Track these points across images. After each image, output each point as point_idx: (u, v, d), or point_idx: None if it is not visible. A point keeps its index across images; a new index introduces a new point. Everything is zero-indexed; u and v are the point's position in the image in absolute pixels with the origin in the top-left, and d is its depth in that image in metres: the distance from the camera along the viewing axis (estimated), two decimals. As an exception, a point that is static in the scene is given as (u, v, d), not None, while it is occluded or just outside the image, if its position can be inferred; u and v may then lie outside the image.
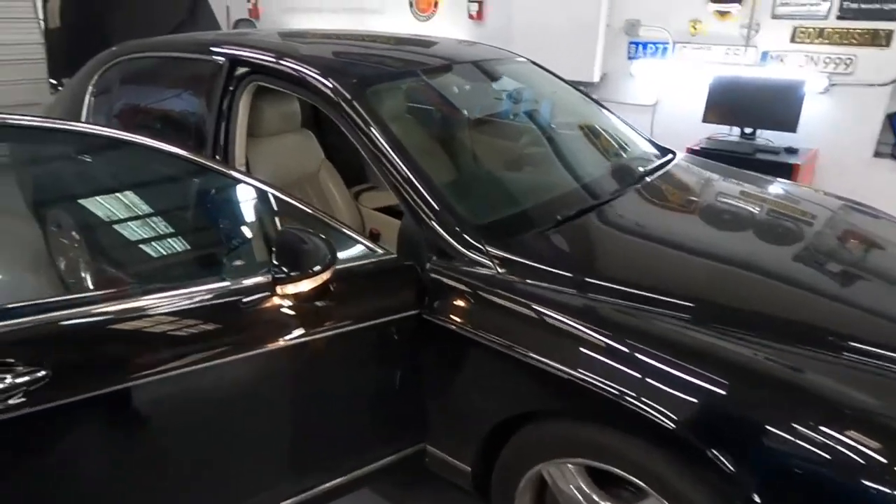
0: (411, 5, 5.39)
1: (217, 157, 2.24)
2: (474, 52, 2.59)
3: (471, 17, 4.94)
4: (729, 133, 3.91)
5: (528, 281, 1.51)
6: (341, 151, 2.93)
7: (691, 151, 3.61)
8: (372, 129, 1.81)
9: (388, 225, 2.86)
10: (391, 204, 2.90)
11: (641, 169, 2.24)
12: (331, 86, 1.90)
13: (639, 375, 1.27)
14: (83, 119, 2.88)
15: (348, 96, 1.87)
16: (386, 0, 5.54)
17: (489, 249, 1.60)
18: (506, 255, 1.59)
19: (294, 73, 2.01)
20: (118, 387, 1.21)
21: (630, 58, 4.30)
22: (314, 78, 1.95)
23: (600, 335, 1.35)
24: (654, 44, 4.16)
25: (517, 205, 1.84)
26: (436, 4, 5.23)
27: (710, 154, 3.56)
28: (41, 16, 6.60)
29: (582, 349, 1.36)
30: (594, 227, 1.80)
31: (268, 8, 6.59)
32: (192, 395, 1.33)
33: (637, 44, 4.24)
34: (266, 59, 2.14)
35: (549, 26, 4.26)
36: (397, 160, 1.75)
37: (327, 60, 2.10)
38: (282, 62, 2.08)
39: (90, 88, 2.88)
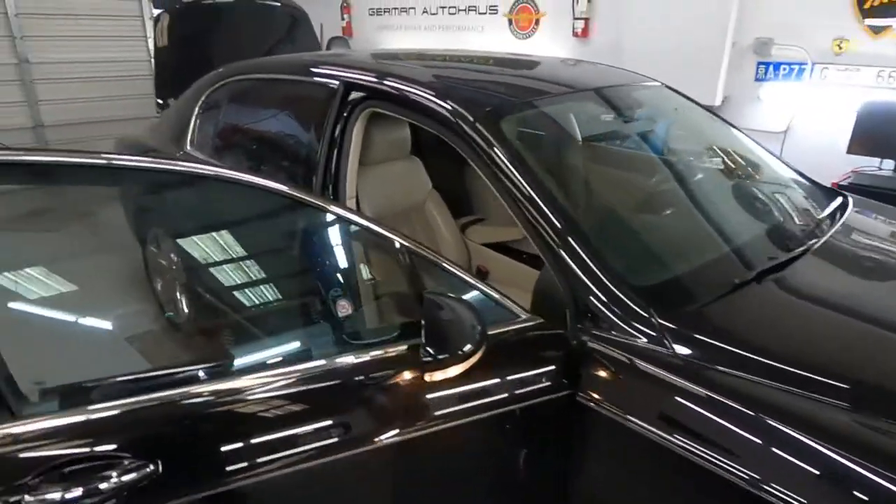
0: (511, 23, 5.17)
1: (328, 186, 2.08)
2: (607, 77, 2.31)
3: (575, 34, 4.66)
4: (879, 167, 3.42)
5: (721, 368, 1.20)
6: (446, 180, 2.73)
7: (838, 187, 3.16)
8: (511, 165, 1.57)
9: (496, 262, 2.61)
10: (502, 240, 2.66)
11: (816, 217, 1.88)
12: (464, 116, 1.67)
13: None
14: (188, 140, 2.81)
15: (483, 129, 1.63)
16: (484, 18, 5.35)
17: (659, 321, 1.31)
18: (680, 328, 1.30)
19: (418, 100, 1.80)
20: (239, 483, 1.01)
21: (758, 79, 3.88)
22: (442, 107, 1.73)
23: (838, 454, 1.03)
24: (789, 64, 3.73)
25: (684, 262, 1.53)
26: (536, 22, 4.99)
27: (859, 191, 3.10)
28: (150, 35, 6.89)
29: (804, 466, 1.04)
30: (782, 295, 1.47)
31: (360, 25, 6.57)
32: (319, 489, 1.12)
33: (767, 64, 3.82)
34: (385, 84, 1.95)
35: (665, 44, 3.92)
36: (542, 203, 1.49)
37: (454, 87, 1.88)
38: (404, 88, 1.88)
39: (196, 109, 2.81)
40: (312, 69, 2.27)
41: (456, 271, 1.38)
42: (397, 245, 1.34)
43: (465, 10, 5.48)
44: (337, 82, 2.10)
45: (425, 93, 1.79)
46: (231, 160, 2.57)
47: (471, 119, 1.66)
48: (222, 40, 3.69)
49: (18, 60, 5.79)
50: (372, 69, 2.08)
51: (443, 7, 5.65)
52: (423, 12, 5.85)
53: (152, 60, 6.63)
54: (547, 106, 1.88)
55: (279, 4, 3.97)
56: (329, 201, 1.87)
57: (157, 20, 3.46)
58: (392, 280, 1.47)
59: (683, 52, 3.85)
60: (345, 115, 2.06)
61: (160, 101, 3.63)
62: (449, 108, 1.71)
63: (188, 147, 2.80)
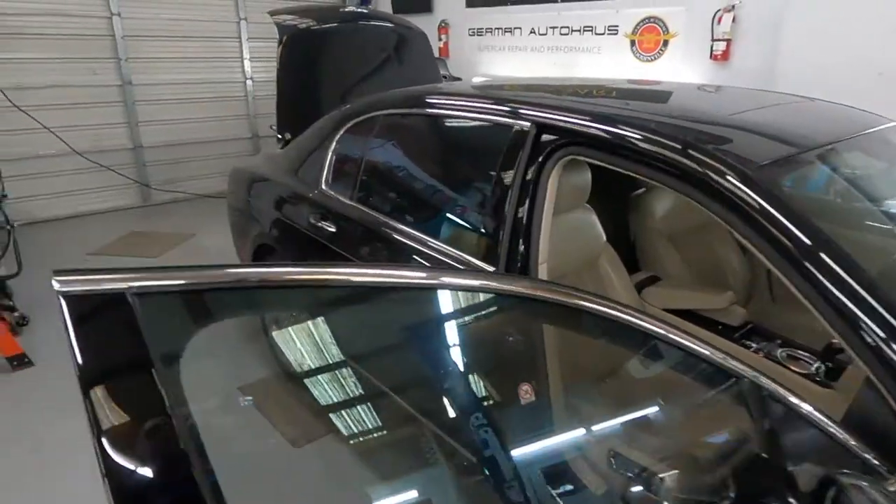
0: (633, 45, 4.78)
1: (517, 241, 1.75)
2: (852, 117, 1.88)
3: (714, 57, 4.22)
4: None
5: None
6: (609, 230, 2.35)
7: None
8: (807, 238, 1.18)
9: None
10: (691, 307, 2.25)
11: None
12: (733, 172, 1.29)
13: None
14: (324, 179, 2.55)
15: (762, 188, 1.25)
16: (602, 39, 4.98)
17: None
18: None
19: (653, 151, 1.44)
20: None
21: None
22: (697, 160, 1.36)
23: None
24: None
25: None
26: (664, 44, 4.57)
27: None
28: (248, 56, 6.80)
29: None
30: None
31: (459, 46, 6.31)
32: None
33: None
34: (600, 129, 1.60)
35: (836, 68, 3.43)
36: (864, 291, 1.09)
37: (700, 135, 1.51)
38: (629, 135, 1.52)
39: (333, 145, 2.55)
40: (490, 106, 1.96)
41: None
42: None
43: (579, 30, 5.13)
44: (528, 123, 1.77)
45: (664, 141, 1.43)
46: (385, 204, 2.28)
47: (745, 177, 1.29)
48: (330, 66, 3.45)
49: (122, 82, 5.82)
50: (577, 110, 1.73)
51: (553, 27, 5.32)
52: (531, 32, 5.54)
53: (250, 81, 6.62)
54: (821, 158, 1.48)
55: (391, 25, 3.71)
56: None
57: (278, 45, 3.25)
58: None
59: (861, 77, 3.35)
60: (539, 161, 1.73)
61: (280, 136, 3.41)
62: (709, 161, 1.34)
63: (324, 186, 2.54)
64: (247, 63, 6.56)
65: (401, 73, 3.76)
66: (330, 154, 2.55)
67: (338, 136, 2.54)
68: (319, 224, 2.43)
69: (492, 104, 1.96)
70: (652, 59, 4.67)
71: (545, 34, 5.43)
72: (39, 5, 5.23)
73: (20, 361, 3.11)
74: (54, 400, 2.83)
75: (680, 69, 4.47)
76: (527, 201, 1.74)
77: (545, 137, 1.75)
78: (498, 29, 5.85)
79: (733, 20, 4.04)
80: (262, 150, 3.65)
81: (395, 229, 2.11)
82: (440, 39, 6.43)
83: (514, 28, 5.69)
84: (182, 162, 6.42)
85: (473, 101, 2.05)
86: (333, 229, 2.35)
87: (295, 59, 3.29)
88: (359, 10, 3.52)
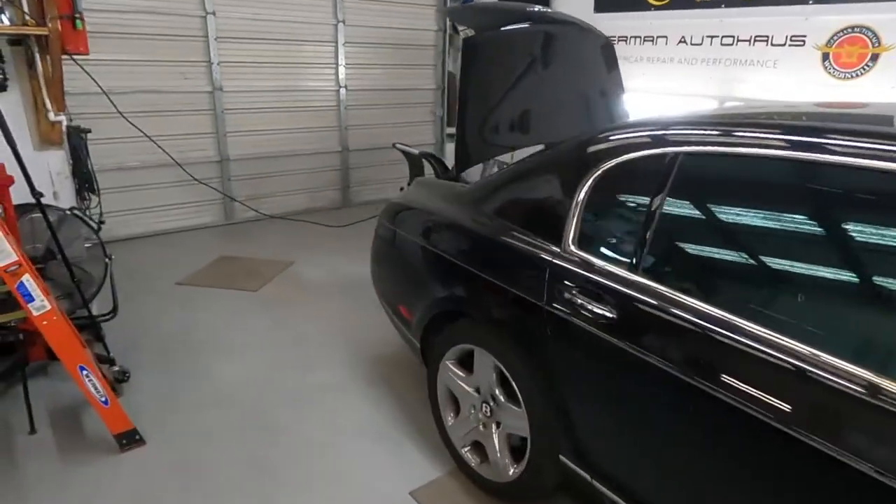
0: (826, 58, 4.00)
1: None
2: None
3: (952, 76, 3.44)
4: None
5: None
6: None
7: None
8: None
9: None
10: None
11: None
12: None
13: None
14: (570, 239, 1.85)
15: None
16: (781, 50, 4.22)
17: None
18: None
19: None
20: None
21: None
22: None
23: None
24: None
25: None
26: (873, 58, 3.79)
27: None
28: (343, 62, 6.15)
29: None
30: None
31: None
32: None
33: None
34: None
35: None
36: None
37: None
38: None
39: (584, 190, 1.85)
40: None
41: None
42: None
43: (748, 40, 4.37)
44: None
45: None
46: (717, 288, 1.56)
47: None
48: (511, 78, 2.77)
49: (213, 88, 5.26)
50: None
51: (712, 36, 4.57)
52: (680, 42, 4.80)
53: (344, 89, 6.01)
54: None
55: (581, 28, 3.03)
56: None
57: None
58: None
59: None
60: None
61: (458, 176, 2.75)
62: None
63: (572, 246, 1.84)
64: (341, 70, 5.95)
65: (576, 86, 3.07)
66: (578, 201, 1.86)
67: (591, 179, 1.84)
68: (579, 301, 1.73)
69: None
70: (852, 77, 3.90)
71: (699, 44, 4.68)
72: (129, 1, 4.69)
73: (130, 440, 2.48)
74: (180, 494, 2.20)
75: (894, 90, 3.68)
76: None
77: None
78: (635, 38, 5.13)
79: None
80: (416, 181, 2.97)
81: (746, 332, 1.39)
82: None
83: (658, 37, 4.96)
84: (267, 177, 5.84)
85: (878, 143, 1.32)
86: (612, 315, 1.65)
87: (476, 71, 2.62)
88: (544, 9, 2.83)
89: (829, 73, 4.00)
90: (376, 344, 3.39)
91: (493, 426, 2.20)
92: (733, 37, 4.47)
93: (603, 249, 1.78)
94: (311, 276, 4.44)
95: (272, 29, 5.45)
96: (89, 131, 3.52)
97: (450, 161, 3.75)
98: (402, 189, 4.05)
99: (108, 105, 4.40)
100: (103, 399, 2.39)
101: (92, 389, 2.36)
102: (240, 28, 5.28)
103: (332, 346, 3.39)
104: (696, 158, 1.62)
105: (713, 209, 1.63)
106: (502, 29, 2.75)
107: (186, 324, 3.62)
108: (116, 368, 2.95)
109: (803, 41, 4.10)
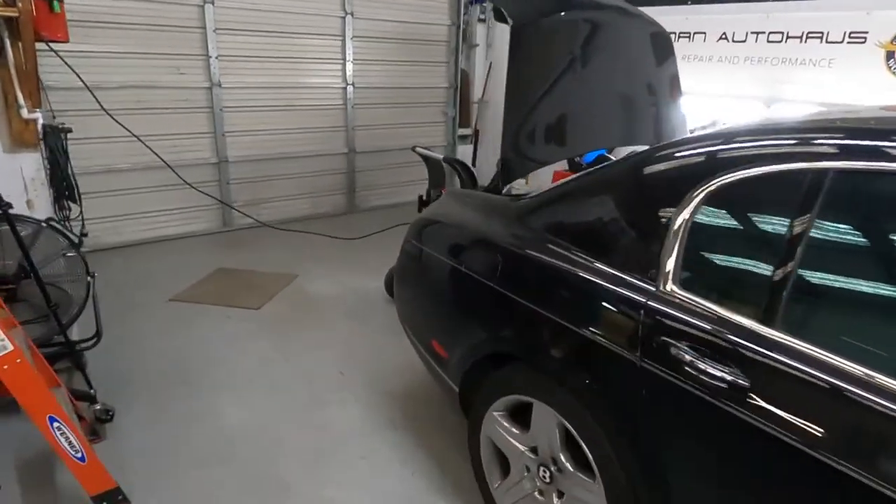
0: (890, 57, 3.63)
1: None
2: None
3: None
4: None
5: None
6: None
7: None
8: None
9: None
10: None
11: None
12: None
13: None
14: (668, 276, 1.46)
15: None
16: (837, 48, 3.84)
17: None
18: None
19: None
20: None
21: None
22: None
23: None
24: None
25: None
26: (947, 56, 3.42)
27: None
28: (350, 58, 5.74)
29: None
30: None
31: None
32: None
33: None
34: None
35: None
36: None
37: None
38: None
39: (685, 216, 1.46)
40: None
41: None
42: None
43: (799, 37, 3.99)
44: None
45: None
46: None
47: None
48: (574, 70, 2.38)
49: (211, 84, 4.85)
50: None
51: (758, 32, 4.19)
52: (721, 39, 4.42)
53: (351, 87, 5.60)
54: None
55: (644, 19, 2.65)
56: None
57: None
58: None
59: None
60: None
61: (504, 189, 2.35)
62: None
63: (672, 286, 1.45)
64: (349, 66, 5.54)
65: (643, 84, 2.69)
66: (679, 227, 1.46)
67: (697, 200, 1.45)
68: (689, 359, 1.34)
69: None
70: (923, 77, 3.53)
71: (742, 41, 4.30)
72: (119, -13, 4.28)
73: (112, 501, 2.07)
74: None
75: (971, 92, 3.32)
76: None
77: None
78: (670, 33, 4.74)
79: None
80: (449, 192, 2.57)
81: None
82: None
83: (696, 33, 4.58)
84: (268, 180, 5.43)
85: None
86: (744, 383, 1.25)
87: (528, 63, 2.22)
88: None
89: (894, 72, 3.63)
90: (396, 374, 2.99)
91: (554, 495, 1.80)
92: (782, 33, 4.09)
93: (720, 292, 1.39)
94: (317, 292, 4.03)
95: (275, 21, 5.04)
96: (70, 130, 3.10)
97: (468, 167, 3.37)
98: (421, 198, 3.66)
99: (93, 101, 3.98)
100: (79, 455, 1.98)
101: (65, 445, 1.94)
102: (240, 19, 4.87)
103: (345, 380, 2.98)
104: (854, 177, 1.23)
105: (885, 242, 1.24)
106: (559, 14, 2.35)
107: (180, 350, 3.20)
108: (98, 407, 2.53)
109: (864, 38, 3.72)
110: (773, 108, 4.16)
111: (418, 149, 3.64)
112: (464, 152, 6.60)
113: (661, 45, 2.78)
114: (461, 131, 6.56)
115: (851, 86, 3.79)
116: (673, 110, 2.82)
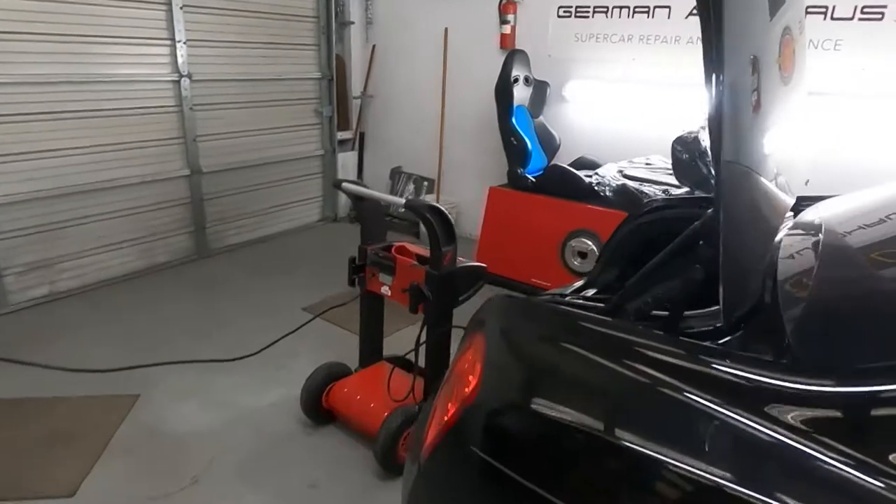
0: None
1: None
2: None
3: None
4: None
5: None
6: None
7: None
8: None
9: None
10: None
11: None
12: None
13: None
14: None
15: None
16: (848, 26, 3.11)
17: None
18: None
19: None
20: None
21: None
22: None
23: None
24: None
25: None
26: None
27: None
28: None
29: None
30: None
31: (536, 33, 4.14)
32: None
33: None
34: None
35: None
36: None
37: None
38: None
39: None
40: None
41: None
42: None
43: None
44: None
45: None
46: None
47: None
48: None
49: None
50: None
51: (741, 7, 3.35)
52: (691, 15, 3.53)
53: (186, 79, 3.79)
54: None
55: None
56: None
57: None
58: None
59: None
60: None
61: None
62: None
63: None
64: (181, 49, 3.73)
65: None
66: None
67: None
68: None
69: None
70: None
71: (719, 18, 3.45)
72: None
73: None
74: None
75: None
76: None
77: None
78: (621, 7, 3.76)
79: None
80: (503, 301, 1.18)
81: None
82: (503, 22, 4.20)
83: (657, 7, 3.64)
84: (61, 227, 3.52)
85: None
86: None
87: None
88: None
89: None
90: None
91: None
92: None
93: None
94: (176, 430, 2.40)
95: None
96: None
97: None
98: (353, 261, 2.24)
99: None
100: None
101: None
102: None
103: None
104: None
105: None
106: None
107: None
108: None
109: (882, 13, 3.02)
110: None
111: (346, 185, 2.20)
112: (345, 161, 5.13)
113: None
114: (340, 135, 5.08)
115: (867, 74, 3.09)
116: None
